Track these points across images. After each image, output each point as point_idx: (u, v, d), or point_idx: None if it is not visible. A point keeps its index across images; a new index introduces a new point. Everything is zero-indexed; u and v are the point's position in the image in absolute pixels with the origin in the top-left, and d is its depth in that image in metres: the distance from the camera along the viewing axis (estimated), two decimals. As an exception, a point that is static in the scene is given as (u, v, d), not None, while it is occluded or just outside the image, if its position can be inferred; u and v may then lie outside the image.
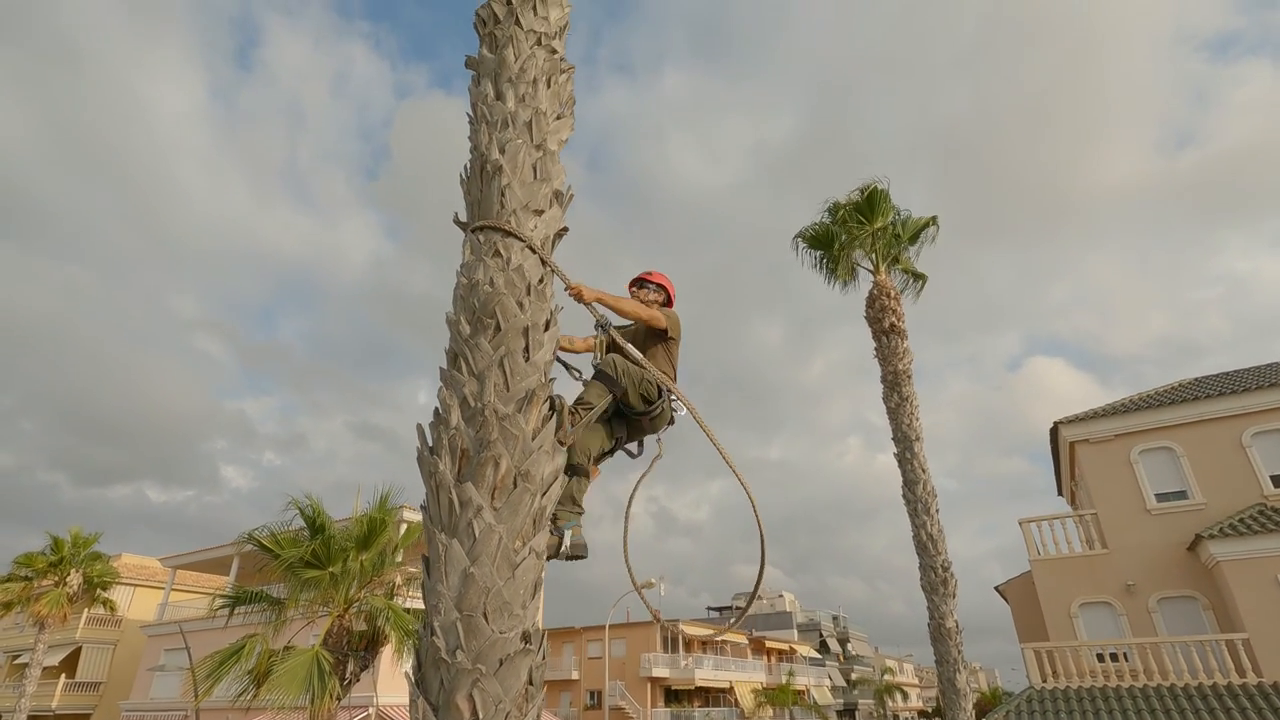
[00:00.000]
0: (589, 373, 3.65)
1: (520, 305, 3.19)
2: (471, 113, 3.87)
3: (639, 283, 4.21)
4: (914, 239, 14.63)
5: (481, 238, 3.42)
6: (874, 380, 14.44)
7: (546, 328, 3.29)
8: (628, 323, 3.88)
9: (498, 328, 3.12)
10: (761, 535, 3.34)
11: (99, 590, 23.90)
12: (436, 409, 3.12)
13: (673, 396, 3.62)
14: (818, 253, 14.97)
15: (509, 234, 3.32)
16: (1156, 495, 15.66)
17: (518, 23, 3.94)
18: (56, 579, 22.87)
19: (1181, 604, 14.78)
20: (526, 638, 2.68)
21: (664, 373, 3.59)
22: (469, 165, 3.69)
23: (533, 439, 2.94)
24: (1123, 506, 15.85)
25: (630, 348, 3.52)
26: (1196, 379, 18.28)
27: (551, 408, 3.16)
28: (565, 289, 3.44)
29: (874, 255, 14.15)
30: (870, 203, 13.96)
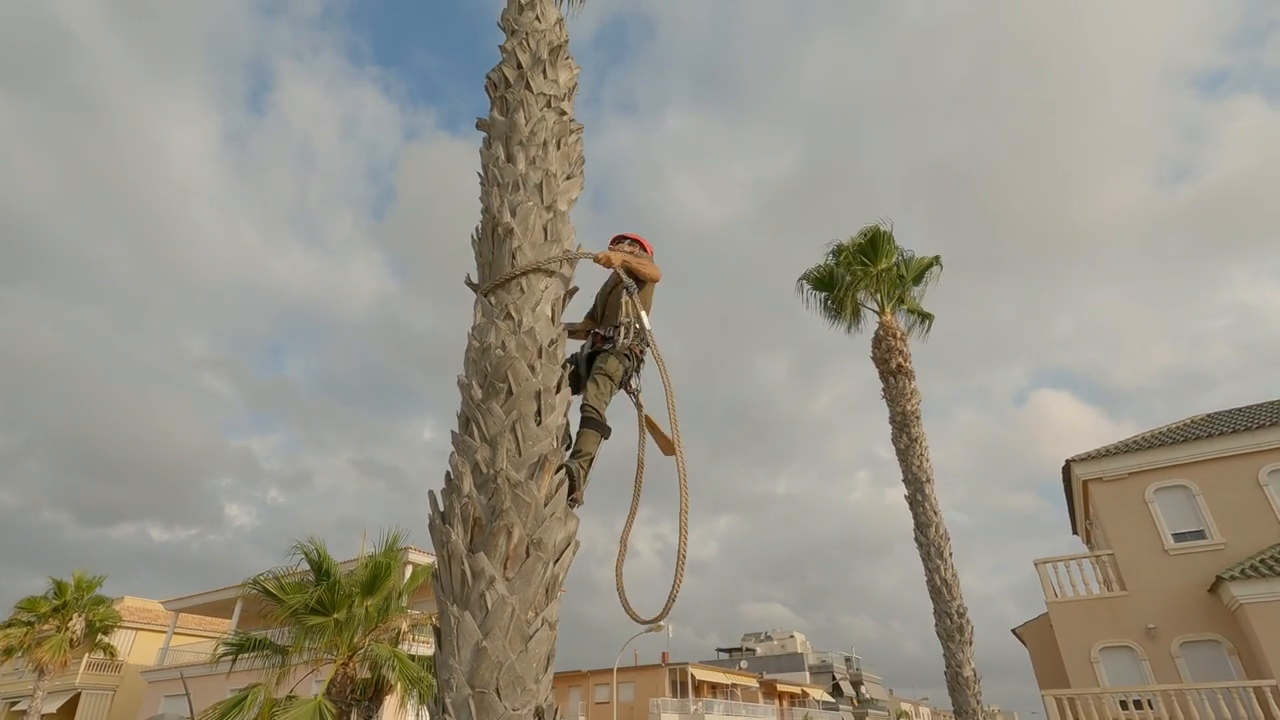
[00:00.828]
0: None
1: (532, 369, 3.20)
2: (483, 174, 3.94)
3: (619, 240, 4.40)
4: (918, 279, 14.70)
5: (493, 299, 3.45)
6: (881, 412, 14.40)
7: (558, 389, 3.29)
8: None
9: (509, 392, 3.12)
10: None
11: (100, 635, 23.60)
12: (448, 474, 3.11)
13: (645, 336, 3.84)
14: (822, 294, 15.07)
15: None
16: (1174, 535, 15.35)
17: (528, 86, 4.04)
18: (59, 624, 22.62)
19: (1205, 648, 14.36)
20: (539, 714, 2.62)
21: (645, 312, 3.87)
22: (480, 227, 3.75)
23: (545, 505, 2.92)
24: (1140, 547, 15.53)
25: (644, 313, 3.76)
26: (1209, 415, 18.09)
27: (568, 475, 3.17)
28: (595, 259, 3.71)
29: (879, 296, 14.21)
30: (873, 245, 14.08)
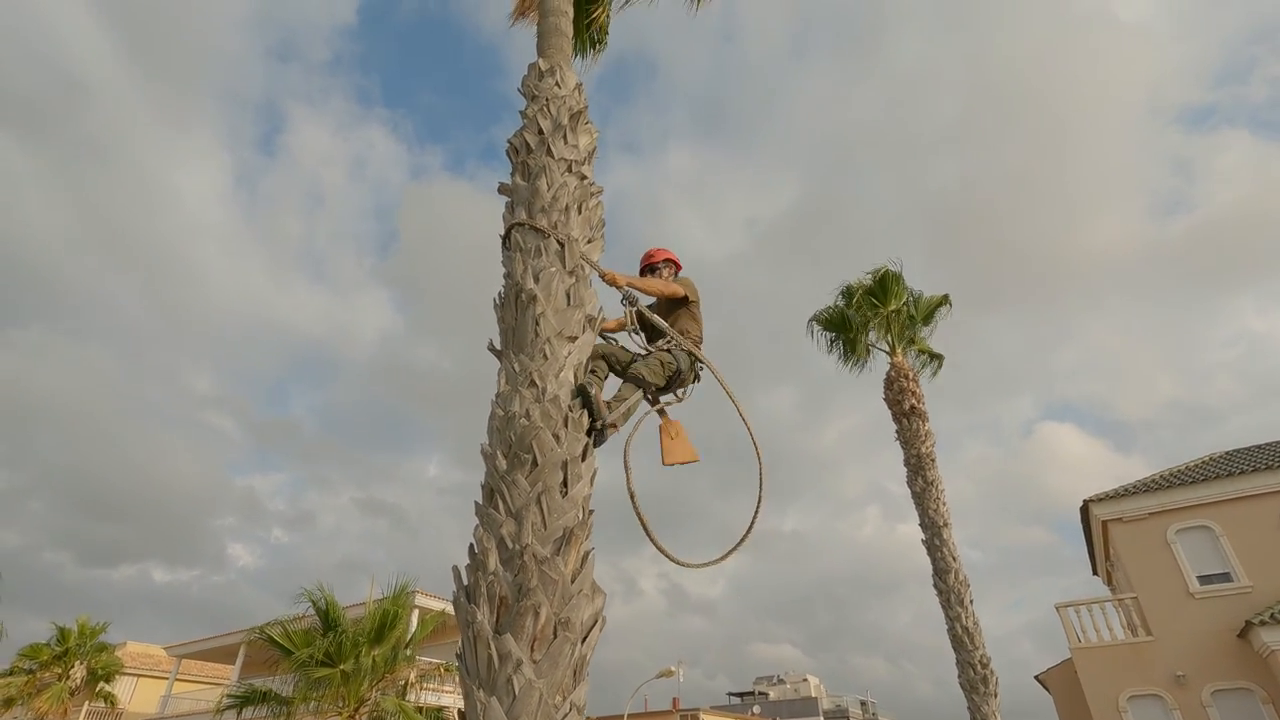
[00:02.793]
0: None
1: (557, 438, 3.17)
2: (504, 240, 3.98)
3: (648, 269, 4.65)
4: (928, 319, 14.69)
5: (517, 365, 3.43)
6: (892, 446, 14.25)
7: (584, 457, 3.25)
8: (652, 300, 4.43)
9: (535, 462, 3.09)
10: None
11: (101, 683, 23.20)
12: (472, 547, 3.05)
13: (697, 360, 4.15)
14: (832, 335, 15.06)
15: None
16: (1199, 578, 14.97)
17: (549, 152, 4.10)
18: (60, 672, 22.26)
19: (1237, 697, 13.88)
20: (568, 806, 2.52)
21: (689, 330, 4.21)
22: (503, 292, 3.76)
23: (572, 582, 2.85)
24: (1164, 590, 15.14)
25: (655, 317, 4.10)
26: (1228, 452, 17.80)
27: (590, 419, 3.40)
28: (600, 277, 3.95)
29: (889, 337, 14.19)
30: (883, 286, 14.12)
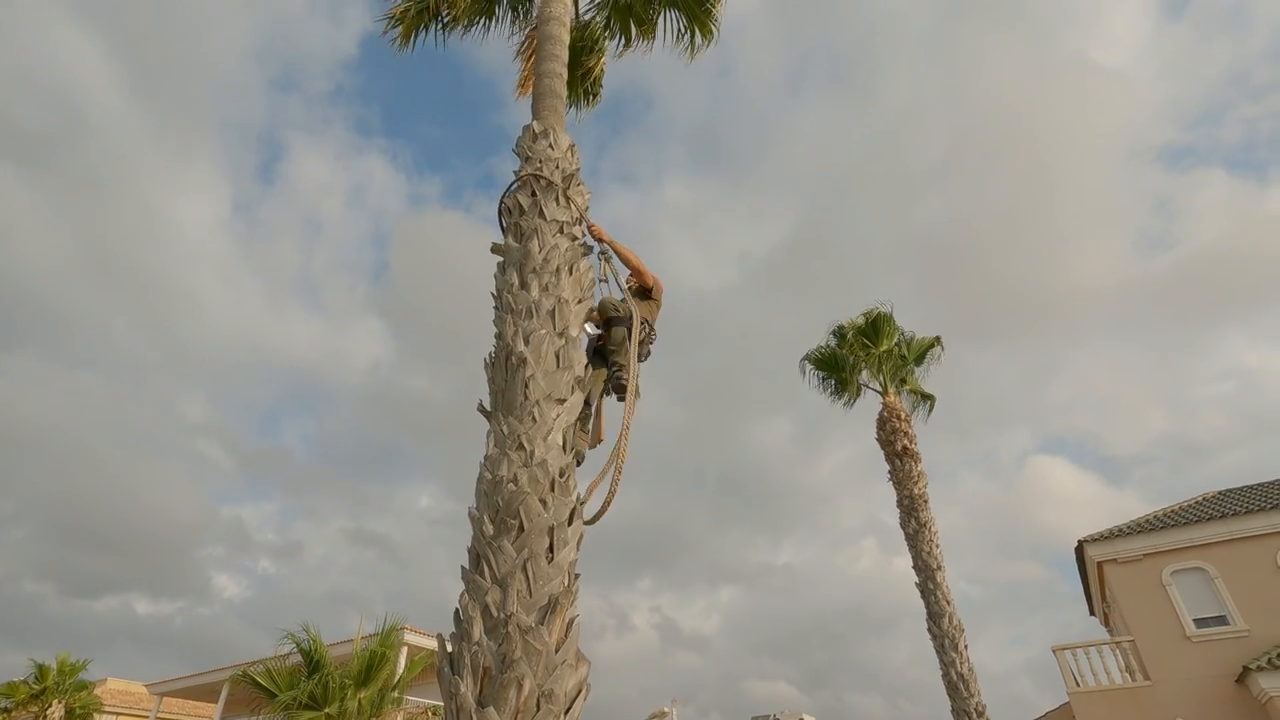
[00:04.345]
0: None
1: (544, 503, 3.20)
2: (496, 299, 4.04)
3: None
4: (920, 359, 14.81)
5: (505, 428, 3.47)
6: (886, 477, 14.26)
7: (570, 522, 3.27)
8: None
9: (521, 528, 3.11)
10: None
11: (79, 722, 22.61)
12: (457, 613, 3.06)
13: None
14: (824, 374, 15.16)
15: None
16: (1195, 621, 14.86)
17: (541, 214, 4.19)
18: (38, 710, 21.70)
19: (1238, 744, 13.68)
20: None
21: (646, 319, 4.67)
22: (494, 353, 3.81)
23: (556, 652, 2.85)
24: (1161, 633, 15.01)
25: (627, 292, 4.68)
26: (1221, 492, 17.82)
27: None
28: (588, 228, 4.55)
29: (882, 378, 14.29)
30: (875, 326, 14.26)
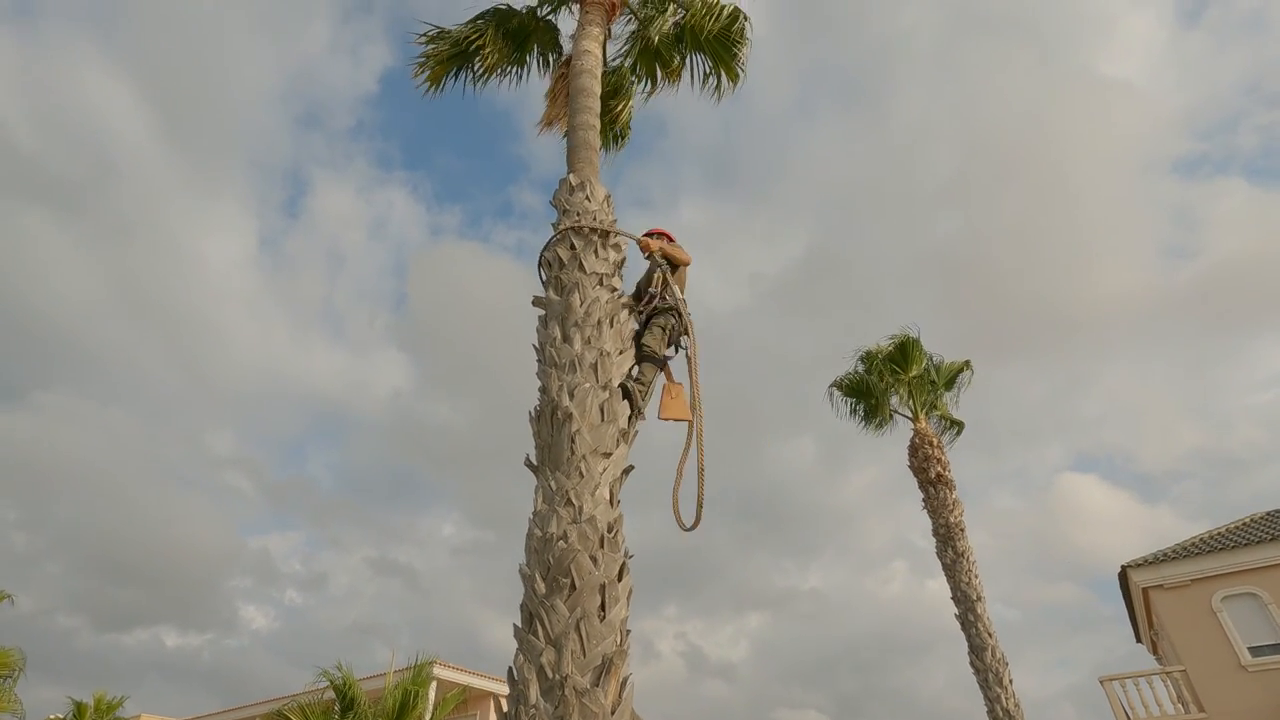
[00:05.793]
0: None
1: (594, 560, 3.22)
2: (539, 352, 4.11)
3: (652, 233, 5.12)
4: (950, 384, 14.62)
5: (553, 483, 3.51)
6: (915, 496, 14.00)
7: (620, 577, 3.29)
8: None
9: (573, 586, 3.13)
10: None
11: (115, 760, 22.71)
12: (510, 672, 3.08)
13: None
14: (853, 400, 15.02)
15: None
16: (1250, 649, 14.30)
17: (581, 267, 4.27)
18: (74, 748, 21.87)
19: (1302, 779, 13.05)
20: None
21: (682, 296, 4.77)
22: (538, 407, 3.86)
23: (611, 714, 2.85)
24: (1213, 662, 14.45)
25: (676, 288, 4.69)
26: (1271, 512, 17.22)
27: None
28: (637, 244, 4.71)
29: (912, 404, 14.12)
30: (903, 352, 14.13)
